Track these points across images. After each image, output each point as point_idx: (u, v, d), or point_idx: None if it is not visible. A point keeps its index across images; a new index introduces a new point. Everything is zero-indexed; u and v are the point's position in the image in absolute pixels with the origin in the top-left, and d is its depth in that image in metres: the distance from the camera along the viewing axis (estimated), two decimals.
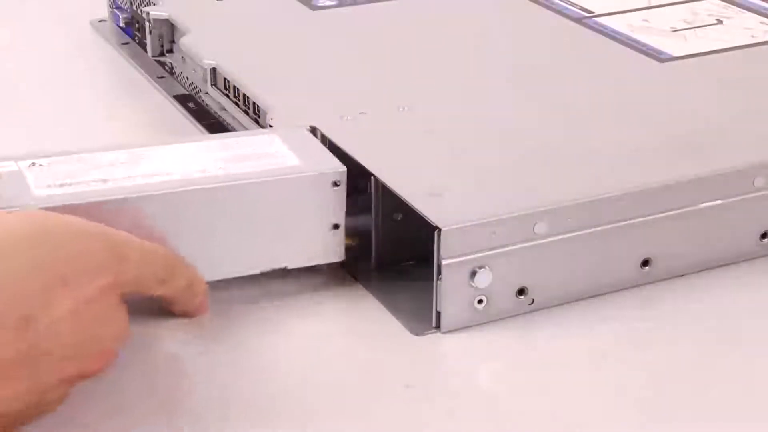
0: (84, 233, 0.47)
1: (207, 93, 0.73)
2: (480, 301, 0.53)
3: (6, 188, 0.52)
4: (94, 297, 0.46)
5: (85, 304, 0.45)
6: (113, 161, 0.55)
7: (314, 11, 0.80)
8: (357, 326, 0.55)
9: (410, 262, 0.58)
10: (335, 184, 0.55)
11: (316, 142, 0.59)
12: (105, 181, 0.53)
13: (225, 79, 0.70)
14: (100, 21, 0.92)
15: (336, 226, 0.56)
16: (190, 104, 0.77)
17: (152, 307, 0.53)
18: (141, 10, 0.83)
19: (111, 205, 0.52)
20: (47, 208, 0.50)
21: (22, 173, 0.53)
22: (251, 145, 0.57)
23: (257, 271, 0.56)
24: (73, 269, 0.46)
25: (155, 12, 0.79)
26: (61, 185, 0.52)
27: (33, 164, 0.54)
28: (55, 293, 0.44)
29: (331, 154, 0.57)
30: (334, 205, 0.56)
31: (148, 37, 0.80)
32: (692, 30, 0.77)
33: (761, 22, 0.78)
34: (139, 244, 0.50)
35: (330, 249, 0.56)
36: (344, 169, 0.56)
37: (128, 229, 0.50)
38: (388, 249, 0.58)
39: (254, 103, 0.67)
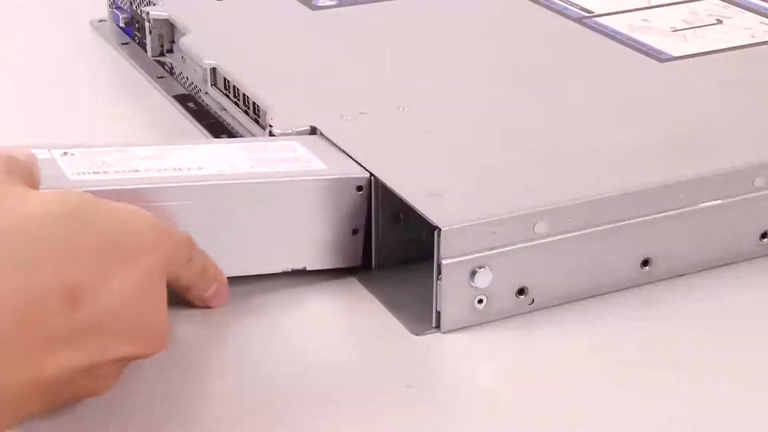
0: (128, 210, 0.48)
1: (207, 93, 0.73)
2: (480, 301, 0.53)
3: (42, 172, 0.52)
4: (144, 274, 0.46)
5: (136, 280, 0.45)
6: (144, 155, 0.55)
7: (314, 11, 0.80)
8: (357, 326, 0.55)
9: (410, 263, 0.58)
10: (358, 188, 0.56)
11: (336, 149, 0.59)
12: (137, 170, 0.54)
13: (225, 79, 0.70)
14: (99, 21, 0.92)
15: (355, 231, 0.57)
16: (190, 104, 0.77)
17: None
18: (141, 10, 0.83)
19: (145, 193, 0.52)
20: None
21: (55, 160, 0.54)
22: (276, 149, 0.58)
23: (278, 270, 0.56)
24: (123, 244, 0.45)
25: (155, 12, 0.79)
26: (95, 173, 0.53)
27: (65, 153, 0.55)
28: (106, 267, 0.44)
29: (352, 160, 0.58)
30: (356, 210, 0.56)
31: (148, 37, 0.80)
32: (692, 30, 0.77)
33: (761, 22, 0.79)
34: (169, 225, 0.50)
35: (349, 253, 0.57)
36: (368, 175, 0.56)
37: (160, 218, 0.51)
38: (388, 249, 0.58)
39: (254, 103, 0.67)
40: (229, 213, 0.54)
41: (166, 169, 0.54)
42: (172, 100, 0.78)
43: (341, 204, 0.56)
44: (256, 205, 0.55)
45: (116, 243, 0.45)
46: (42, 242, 0.43)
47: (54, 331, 0.42)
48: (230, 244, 0.55)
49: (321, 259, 0.57)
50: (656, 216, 0.56)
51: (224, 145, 0.59)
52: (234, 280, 0.55)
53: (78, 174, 0.53)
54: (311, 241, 0.56)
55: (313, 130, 0.61)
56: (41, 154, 0.54)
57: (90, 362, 0.44)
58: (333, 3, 0.81)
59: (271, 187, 0.55)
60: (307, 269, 0.57)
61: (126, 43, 0.87)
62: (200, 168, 0.55)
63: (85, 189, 0.51)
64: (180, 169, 0.55)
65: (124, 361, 0.46)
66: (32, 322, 0.42)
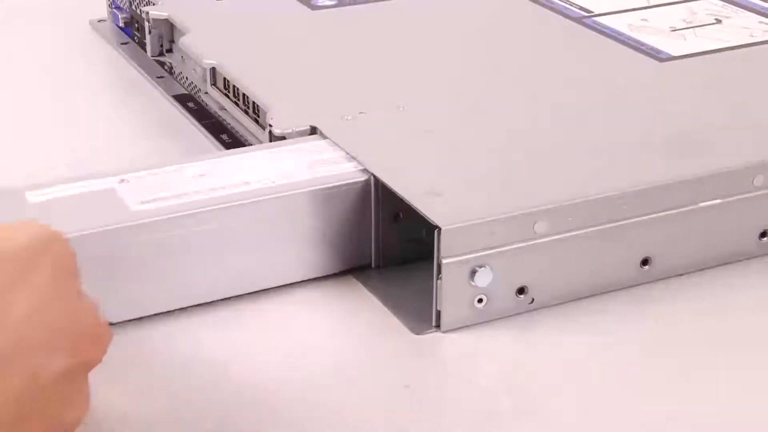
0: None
1: (206, 93, 0.73)
2: (480, 300, 0.53)
3: (104, 204, 0.53)
4: (42, 280, 0.41)
5: (36, 288, 0.41)
6: (196, 173, 0.56)
7: (314, 11, 0.80)
8: (357, 325, 0.55)
9: (410, 262, 0.58)
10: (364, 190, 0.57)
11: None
12: (197, 192, 0.54)
13: (224, 78, 0.70)
14: (99, 21, 0.92)
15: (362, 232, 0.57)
16: (190, 104, 0.77)
17: None
18: (140, 10, 0.83)
19: (206, 215, 0.53)
20: (145, 222, 0.52)
21: (115, 190, 0.55)
22: (305, 152, 0.59)
23: (296, 280, 0.56)
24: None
25: (155, 12, 0.79)
26: (155, 200, 0.54)
27: (122, 180, 0.55)
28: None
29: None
30: (363, 211, 0.57)
31: (148, 36, 0.80)
32: (691, 29, 0.77)
33: (760, 22, 0.79)
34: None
35: (359, 255, 0.58)
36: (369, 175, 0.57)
37: (221, 239, 0.53)
38: (388, 249, 0.58)
39: (254, 102, 0.67)
40: (282, 223, 0.55)
41: (224, 187, 0.55)
42: (171, 99, 0.78)
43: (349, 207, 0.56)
44: (307, 213, 0.55)
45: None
46: None
47: None
48: (282, 254, 0.55)
49: (334, 263, 0.57)
50: (656, 215, 0.56)
51: (267, 151, 0.59)
52: None
53: (140, 203, 0.53)
54: (329, 246, 0.57)
55: (313, 130, 0.61)
56: (102, 184, 0.55)
57: (25, 384, 0.40)
58: (332, 3, 0.81)
59: (326, 192, 0.55)
60: (322, 275, 0.57)
61: (125, 43, 0.87)
62: (247, 183, 0.55)
63: (150, 219, 0.52)
64: (237, 185, 0.55)
65: (72, 374, 0.42)
66: None
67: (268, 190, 0.55)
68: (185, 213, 0.53)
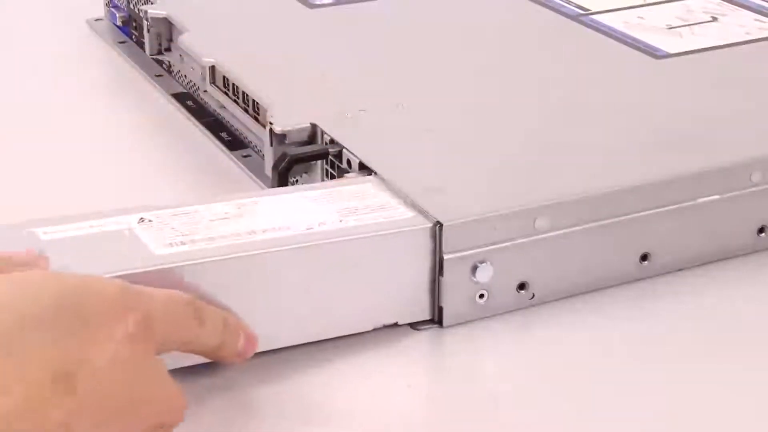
0: (92, 281, 0.43)
1: (206, 91, 0.73)
2: (481, 296, 0.54)
3: (123, 247, 0.49)
4: (123, 345, 0.41)
5: (116, 352, 0.41)
6: (221, 214, 0.52)
7: (312, 9, 0.80)
8: None
9: None
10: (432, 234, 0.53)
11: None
12: (224, 237, 0.50)
13: (224, 76, 0.70)
14: (96, 20, 0.92)
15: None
16: (189, 102, 0.77)
17: None
18: (138, 9, 0.83)
19: (235, 263, 0.49)
20: (167, 269, 0.48)
21: (134, 233, 0.50)
22: (346, 197, 0.54)
23: (369, 328, 0.53)
24: (93, 317, 0.41)
25: (153, 10, 0.79)
26: (181, 243, 0.49)
27: (142, 220, 0.51)
28: (81, 343, 0.40)
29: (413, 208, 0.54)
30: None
31: (146, 35, 0.80)
32: (687, 27, 0.78)
33: (756, 19, 0.79)
34: (155, 289, 0.45)
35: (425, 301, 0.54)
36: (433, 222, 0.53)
37: (258, 285, 0.49)
38: None
39: (254, 100, 0.67)
40: (320, 273, 0.51)
41: (256, 231, 0.51)
42: (170, 98, 0.78)
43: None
44: (347, 263, 0.51)
45: (77, 314, 0.41)
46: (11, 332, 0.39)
47: (54, 424, 0.39)
48: (321, 304, 0.51)
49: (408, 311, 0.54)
50: (654, 211, 0.56)
51: (301, 193, 0.55)
52: None
53: (163, 246, 0.49)
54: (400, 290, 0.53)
55: (314, 128, 0.61)
56: (116, 225, 0.50)
57: None
58: (330, 1, 0.81)
59: (368, 243, 0.51)
60: (398, 323, 0.53)
61: (123, 42, 0.88)
62: (288, 227, 0.51)
63: (175, 264, 0.48)
64: (269, 230, 0.51)
65: None
66: (32, 420, 0.39)
67: (303, 237, 0.51)
68: (211, 260, 0.49)
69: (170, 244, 0.49)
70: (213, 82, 0.72)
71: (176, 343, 0.45)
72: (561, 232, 0.54)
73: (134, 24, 0.86)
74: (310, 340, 0.52)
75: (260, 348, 0.50)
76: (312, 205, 0.53)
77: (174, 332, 0.45)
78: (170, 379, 0.44)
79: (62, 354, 0.40)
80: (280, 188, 0.58)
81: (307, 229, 0.51)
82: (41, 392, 0.39)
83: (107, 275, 0.46)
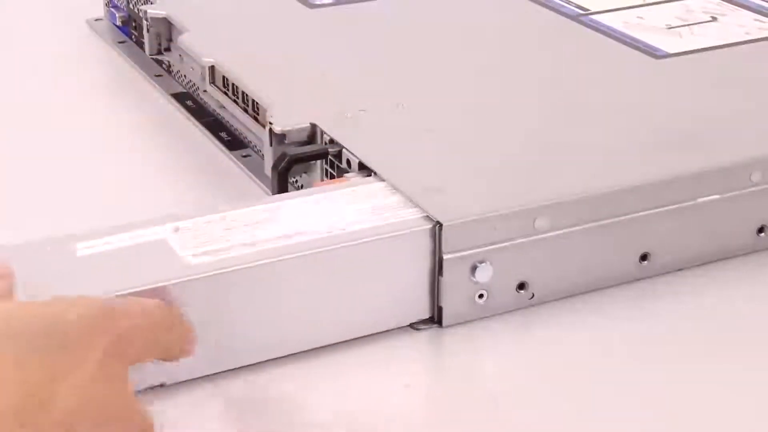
0: (63, 308, 0.42)
1: (205, 91, 0.73)
2: (481, 296, 0.54)
3: (158, 258, 0.50)
4: (95, 370, 0.41)
5: (90, 373, 0.41)
6: (254, 220, 0.52)
7: (312, 9, 0.80)
8: None
9: None
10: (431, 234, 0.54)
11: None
12: (254, 244, 0.51)
13: (224, 76, 0.70)
14: (96, 20, 0.92)
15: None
16: (189, 102, 0.77)
17: None
18: (138, 9, 0.83)
19: (265, 269, 0.50)
20: (199, 277, 0.48)
21: (168, 243, 0.51)
22: (356, 197, 0.55)
23: (380, 330, 0.53)
24: (61, 348, 0.41)
25: (153, 10, 0.79)
26: (215, 251, 0.50)
27: (177, 229, 0.52)
28: (53, 364, 0.40)
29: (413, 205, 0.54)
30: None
31: (146, 35, 0.80)
32: (687, 27, 0.78)
33: (755, 19, 0.79)
34: (134, 301, 0.46)
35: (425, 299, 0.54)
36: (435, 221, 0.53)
37: (286, 290, 0.50)
38: None
39: (253, 100, 0.67)
40: (346, 274, 0.51)
41: (286, 236, 0.51)
42: (170, 98, 0.78)
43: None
44: (351, 268, 0.52)
45: (47, 347, 0.40)
46: None
47: None
48: (323, 310, 0.52)
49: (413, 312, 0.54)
50: (654, 211, 0.56)
51: (324, 194, 0.55)
52: None
53: (196, 256, 0.50)
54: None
55: (314, 128, 0.61)
56: (152, 235, 0.51)
57: None
58: (330, 1, 0.81)
59: (369, 246, 0.51)
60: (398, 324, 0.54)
61: (123, 42, 0.88)
62: (290, 236, 0.51)
63: (208, 273, 0.48)
64: (299, 233, 0.51)
65: None
66: None
67: (320, 242, 0.51)
68: (240, 267, 0.49)
69: (201, 254, 0.50)
70: (213, 82, 0.72)
71: (149, 357, 0.45)
72: (561, 232, 0.54)
73: (134, 24, 0.86)
74: (312, 347, 0.52)
75: (263, 358, 0.51)
76: (315, 209, 0.54)
77: (147, 350, 0.45)
78: (138, 401, 0.43)
79: (30, 387, 0.39)
80: (279, 195, 0.58)
81: (312, 237, 0.51)
82: (5, 422, 0.38)
83: (139, 288, 0.47)
